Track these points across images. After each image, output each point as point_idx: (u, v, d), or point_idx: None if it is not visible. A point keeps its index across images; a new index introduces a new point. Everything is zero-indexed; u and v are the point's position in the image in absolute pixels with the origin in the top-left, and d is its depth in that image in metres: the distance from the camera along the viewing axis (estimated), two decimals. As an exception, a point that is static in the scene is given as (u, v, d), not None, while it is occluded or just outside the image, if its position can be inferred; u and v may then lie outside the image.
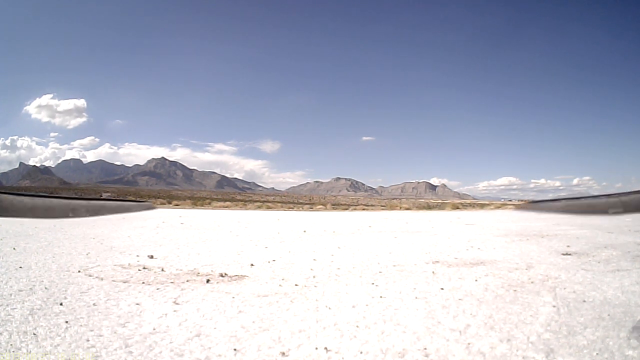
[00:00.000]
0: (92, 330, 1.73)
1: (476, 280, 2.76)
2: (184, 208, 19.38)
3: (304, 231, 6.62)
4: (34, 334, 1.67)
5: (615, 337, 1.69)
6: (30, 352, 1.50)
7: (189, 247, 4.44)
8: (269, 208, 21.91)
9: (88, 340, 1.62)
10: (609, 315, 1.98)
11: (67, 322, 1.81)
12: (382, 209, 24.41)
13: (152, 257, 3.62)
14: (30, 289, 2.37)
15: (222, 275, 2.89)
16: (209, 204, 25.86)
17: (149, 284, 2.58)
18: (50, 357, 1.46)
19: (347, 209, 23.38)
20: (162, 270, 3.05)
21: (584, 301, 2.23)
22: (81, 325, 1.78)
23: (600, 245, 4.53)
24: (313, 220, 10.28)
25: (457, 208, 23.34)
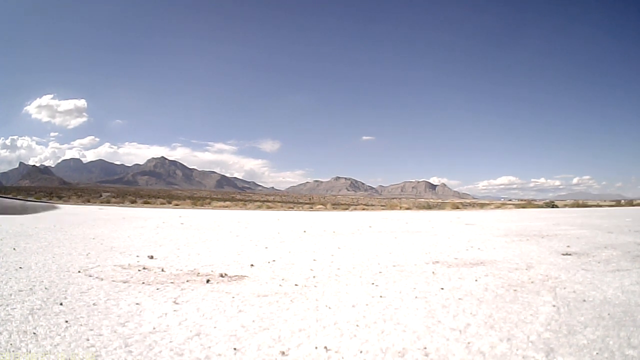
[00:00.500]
0: (92, 330, 1.73)
1: (476, 280, 2.76)
2: (184, 208, 19.38)
3: (304, 231, 6.62)
4: (34, 333, 1.67)
5: (615, 337, 1.69)
6: (30, 351, 1.50)
7: (189, 247, 4.44)
8: (269, 208, 21.89)
9: (88, 340, 1.62)
10: (609, 314, 1.99)
11: (67, 321, 1.82)
12: (382, 209, 24.40)
13: (152, 257, 3.62)
14: (30, 289, 2.37)
15: (222, 276, 2.89)
16: (209, 203, 25.82)
17: (149, 284, 2.58)
18: (50, 357, 1.46)
19: (347, 208, 23.37)
20: (162, 270, 3.05)
21: (584, 301, 2.24)
22: (81, 325, 1.78)
23: (600, 245, 4.54)
24: (313, 220, 10.28)
25: (457, 208, 23.34)
